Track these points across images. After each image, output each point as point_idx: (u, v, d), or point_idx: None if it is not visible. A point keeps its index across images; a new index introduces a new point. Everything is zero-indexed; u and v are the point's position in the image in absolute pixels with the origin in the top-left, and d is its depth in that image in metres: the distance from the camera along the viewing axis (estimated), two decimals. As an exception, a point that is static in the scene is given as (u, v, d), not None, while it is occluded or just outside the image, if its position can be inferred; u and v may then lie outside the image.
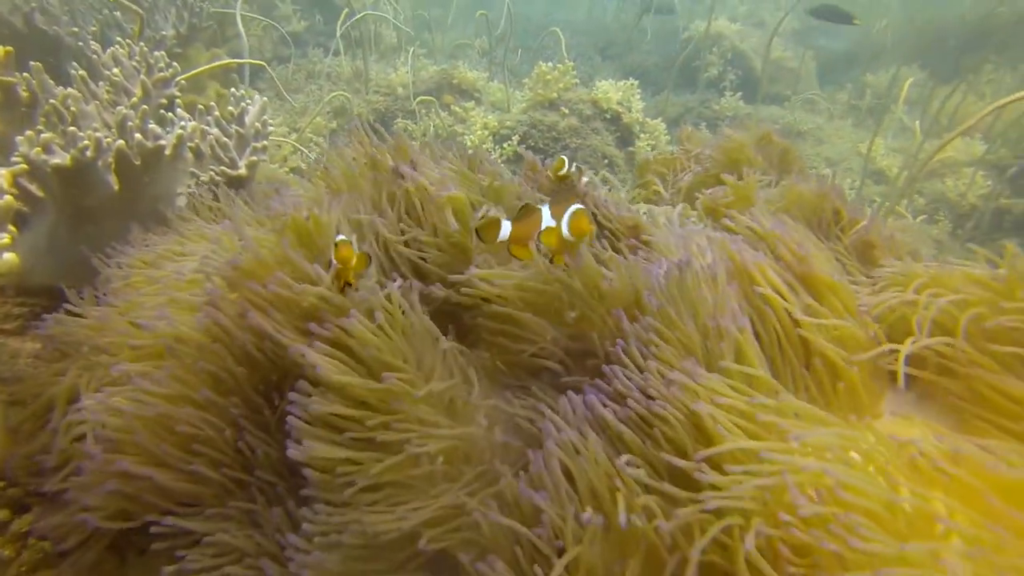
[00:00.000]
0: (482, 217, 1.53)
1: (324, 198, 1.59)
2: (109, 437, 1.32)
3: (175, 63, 2.43)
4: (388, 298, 1.28)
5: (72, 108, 1.99)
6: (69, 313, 1.73)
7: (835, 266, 1.55)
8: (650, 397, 1.14)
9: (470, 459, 1.27)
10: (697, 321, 1.22)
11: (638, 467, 1.09)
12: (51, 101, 1.87)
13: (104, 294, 1.83)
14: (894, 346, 1.32)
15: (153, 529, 1.31)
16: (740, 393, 1.11)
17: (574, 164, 1.71)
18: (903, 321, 1.40)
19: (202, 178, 2.26)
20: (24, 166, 1.76)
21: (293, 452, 1.18)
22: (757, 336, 1.27)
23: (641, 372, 1.19)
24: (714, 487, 1.00)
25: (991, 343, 1.26)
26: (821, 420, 1.11)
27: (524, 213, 1.35)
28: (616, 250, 1.68)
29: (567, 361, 1.43)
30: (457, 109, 6.12)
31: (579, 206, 1.31)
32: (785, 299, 1.33)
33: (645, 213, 2.00)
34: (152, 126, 1.96)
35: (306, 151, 5.03)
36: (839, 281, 1.42)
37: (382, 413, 1.20)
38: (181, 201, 2.34)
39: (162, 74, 2.39)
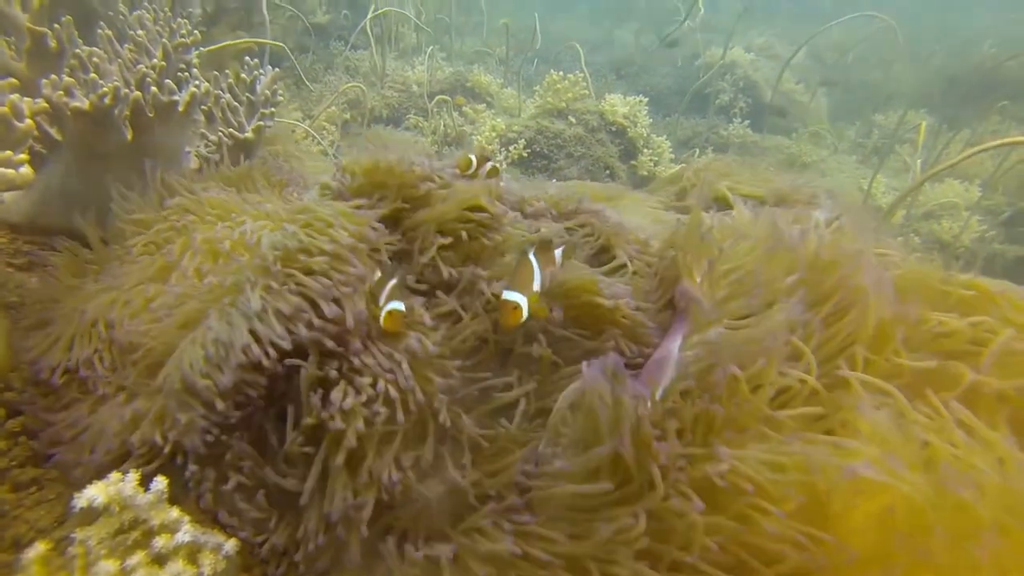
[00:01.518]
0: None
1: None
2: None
3: (196, 31, 2.58)
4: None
5: (95, 60, 2.13)
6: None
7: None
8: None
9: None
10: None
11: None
12: (76, 50, 2.01)
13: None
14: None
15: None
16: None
17: (490, 162, 1.60)
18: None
19: (211, 138, 2.39)
20: (45, 105, 1.89)
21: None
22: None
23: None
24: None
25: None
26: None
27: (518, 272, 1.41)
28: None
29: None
30: (468, 110, 6.29)
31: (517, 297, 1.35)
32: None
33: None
34: (168, 81, 2.09)
35: (318, 137, 5.19)
36: None
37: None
38: (190, 160, 2.47)
39: (183, 40, 2.54)
